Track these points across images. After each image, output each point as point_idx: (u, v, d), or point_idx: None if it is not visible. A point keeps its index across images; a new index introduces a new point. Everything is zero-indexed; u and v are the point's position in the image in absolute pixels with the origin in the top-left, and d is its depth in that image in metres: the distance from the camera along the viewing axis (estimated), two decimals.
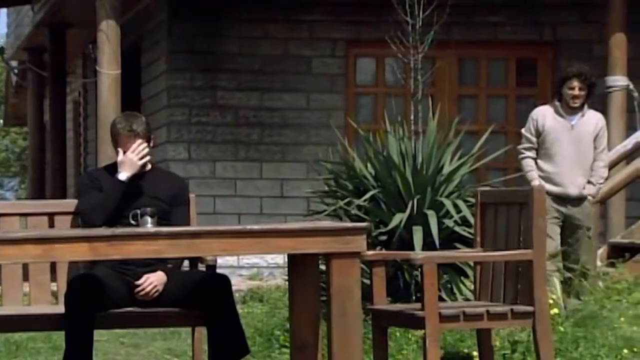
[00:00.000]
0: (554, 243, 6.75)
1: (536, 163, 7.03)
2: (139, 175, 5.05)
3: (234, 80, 9.92)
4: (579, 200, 6.96)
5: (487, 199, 5.04)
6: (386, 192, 6.45)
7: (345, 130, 9.63)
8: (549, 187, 6.82)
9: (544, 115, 7.03)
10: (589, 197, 7.04)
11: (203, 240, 4.19)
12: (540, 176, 6.97)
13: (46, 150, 13.84)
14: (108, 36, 8.80)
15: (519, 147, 7.12)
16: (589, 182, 7.01)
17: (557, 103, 6.98)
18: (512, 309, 4.71)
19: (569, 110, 6.96)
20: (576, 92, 6.90)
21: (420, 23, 6.92)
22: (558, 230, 6.89)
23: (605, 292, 7.13)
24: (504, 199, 4.96)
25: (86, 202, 4.92)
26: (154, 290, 4.85)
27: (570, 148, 6.96)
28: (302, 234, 4.28)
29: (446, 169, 6.51)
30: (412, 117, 6.74)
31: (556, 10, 10.16)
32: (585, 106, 7.02)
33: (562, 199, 6.94)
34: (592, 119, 7.05)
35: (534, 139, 7.05)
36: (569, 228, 6.93)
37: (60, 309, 4.76)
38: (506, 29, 10.14)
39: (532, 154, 7.06)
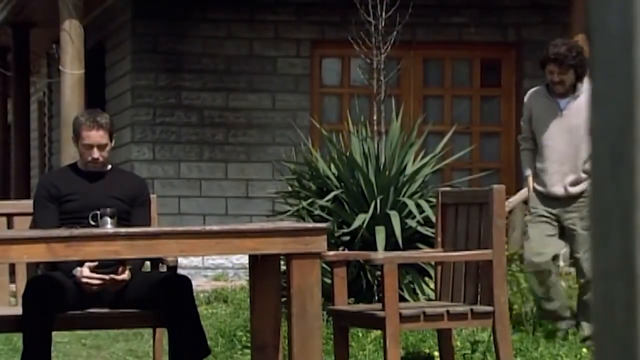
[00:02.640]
0: (531, 244, 5.90)
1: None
2: (99, 175, 5.02)
3: (199, 80, 9.90)
4: (569, 200, 5.91)
5: (448, 199, 5.05)
6: (349, 192, 6.46)
7: (310, 130, 9.63)
8: (535, 185, 6.00)
9: (534, 96, 6.04)
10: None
11: (162, 241, 4.18)
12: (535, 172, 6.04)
13: (11, 150, 13.73)
14: (71, 36, 8.75)
15: (519, 137, 6.28)
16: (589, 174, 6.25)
17: (547, 84, 6.01)
18: (472, 309, 4.72)
19: (558, 93, 5.93)
20: (555, 77, 5.86)
21: (383, 23, 6.93)
22: (548, 230, 5.91)
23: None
24: (464, 199, 4.97)
25: (42, 221, 4.87)
26: (120, 279, 4.80)
27: (558, 139, 5.90)
28: (262, 235, 4.27)
29: (409, 169, 6.53)
30: (374, 118, 6.75)
31: (520, 12, 10.21)
32: (580, 87, 5.87)
33: (550, 199, 5.94)
34: (585, 100, 5.88)
35: (527, 127, 6.08)
36: (566, 234, 5.97)
37: (18, 310, 4.72)
38: (470, 29, 10.18)
39: (528, 144, 6.07)
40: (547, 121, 5.90)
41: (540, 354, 5.59)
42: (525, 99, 6.12)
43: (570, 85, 5.87)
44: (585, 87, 5.84)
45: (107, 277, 4.77)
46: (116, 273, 4.81)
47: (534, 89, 6.13)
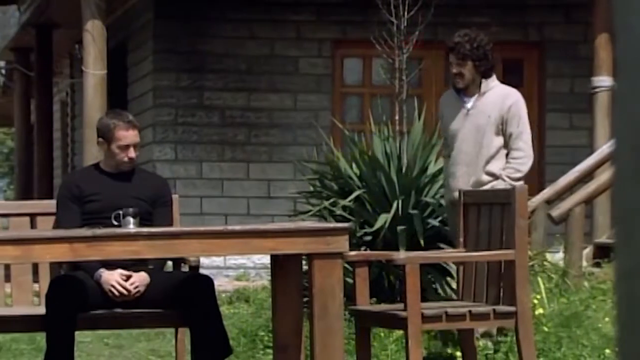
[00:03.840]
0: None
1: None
2: (122, 176, 5.04)
3: (220, 80, 9.91)
4: None
5: (470, 199, 5.04)
6: (371, 192, 6.45)
7: (331, 130, 9.63)
8: (445, 194, 5.65)
9: (445, 98, 5.62)
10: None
11: (183, 241, 4.18)
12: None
13: (34, 150, 13.80)
14: (94, 36, 8.78)
15: (442, 145, 5.83)
16: (494, 176, 5.45)
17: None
18: (494, 309, 4.71)
19: (465, 90, 5.45)
20: (454, 68, 5.39)
21: (405, 23, 6.92)
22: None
23: (590, 292, 7.14)
24: (486, 199, 4.96)
25: (64, 221, 4.89)
26: (135, 291, 4.84)
27: (465, 139, 5.45)
28: (283, 235, 4.27)
29: (431, 169, 6.51)
30: (396, 118, 6.74)
31: (542, 11, 10.17)
32: (489, 82, 5.41)
33: (457, 206, 5.25)
34: (493, 98, 5.41)
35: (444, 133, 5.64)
36: None
37: (42, 310, 4.74)
38: (492, 29, 10.14)
39: (447, 152, 5.65)
40: (455, 122, 5.54)
41: (563, 354, 5.57)
42: (439, 103, 5.75)
43: (471, 80, 5.41)
44: (494, 85, 5.46)
45: (132, 291, 4.78)
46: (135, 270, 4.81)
47: (445, 92, 5.77)
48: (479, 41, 5.43)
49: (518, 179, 5.45)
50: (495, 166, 5.50)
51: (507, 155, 5.47)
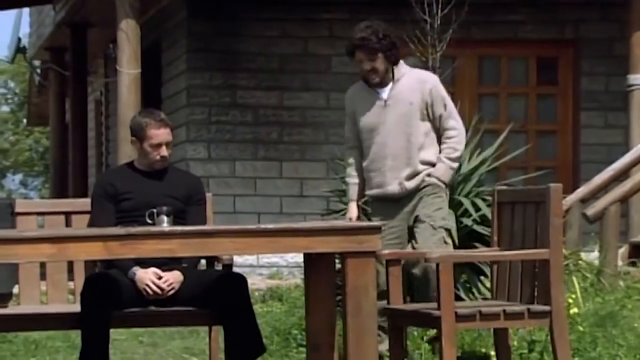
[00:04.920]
0: (382, 277, 4.99)
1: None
2: (156, 174, 5.06)
3: (253, 79, 9.93)
4: (407, 197, 5.29)
5: (504, 197, 5.01)
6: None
7: None
8: (368, 191, 5.35)
9: (354, 92, 5.33)
10: (432, 181, 5.23)
11: (216, 239, 4.19)
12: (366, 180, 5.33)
13: (68, 149, 13.90)
14: (128, 35, 8.83)
15: (343, 148, 5.49)
16: (431, 164, 5.24)
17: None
18: (528, 309, 4.68)
19: (375, 83, 5.25)
20: (366, 65, 5.18)
21: (439, 22, 6.89)
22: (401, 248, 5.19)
23: (626, 292, 7.08)
24: (521, 198, 4.93)
25: (99, 220, 4.92)
26: (169, 289, 4.86)
27: (387, 132, 5.22)
28: (316, 234, 4.27)
29: (464, 168, 6.48)
30: None
31: (577, 8, 10.10)
32: (399, 69, 5.20)
33: (387, 203, 5.28)
34: (409, 84, 5.20)
35: (351, 133, 5.33)
36: (411, 230, 5.28)
37: (77, 307, 4.77)
38: (526, 27, 10.10)
39: (354, 153, 5.33)
40: (371, 116, 5.25)
41: (598, 354, 5.53)
42: (345, 99, 5.42)
43: (384, 72, 5.19)
44: (405, 71, 5.25)
45: (166, 289, 4.80)
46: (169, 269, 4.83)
47: (352, 87, 5.45)
48: (383, 31, 5.18)
49: (457, 158, 5.32)
50: (431, 154, 5.30)
51: (440, 138, 5.29)
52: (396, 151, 5.25)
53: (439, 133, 5.33)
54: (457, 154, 5.30)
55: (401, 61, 5.30)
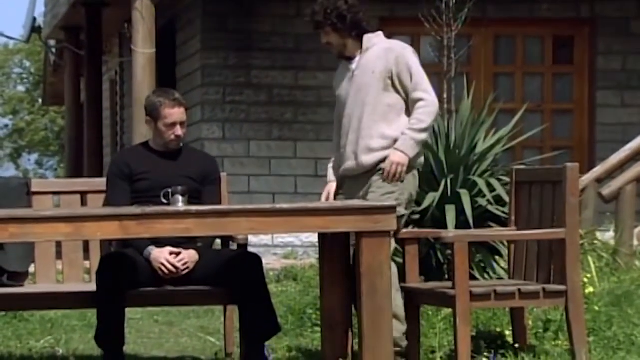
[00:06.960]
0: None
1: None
2: (171, 154, 5.06)
3: (268, 59, 9.91)
4: (364, 175, 4.92)
5: (522, 177, 5.00)
6: (419, 171, 6.42)
7: None
8: (332, 173, 5.08)
9: (338, 71, 5.12)
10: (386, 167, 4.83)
11: (231, 219, 4.20)
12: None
13: (84, 129, 13.92)
14: (143, 15, 8.82)
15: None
16: (393, 139, 4.89)
17: None
18: (544, 288, 4.68)
19: (349, 56, 5.00)
20: (322, 40, 5.03)
21: (454, 0, 6.86)
22: None
23: None
24: (538, 178, 4.92)
25: (114, 199, 4.92)
26: (184, 268, 4.87)
27: (351, 104, 4.94)
28: (331, 213, 4.27)
29: (479, 148, 6.47)
30: (445, 96, 6.70)
31: None
32: (371, 39, 4.95)
33: (348, 180, 4.98)
34: (377, 53, 4.91)
35: (335, 113, 5.13)
36: None
37: (92, 286, 4.79)
38: (542, 6, 10.03)
39: (334, 135, 5.12)
40: (342, 88, 5.00)
41: (613, 333, 5.52)
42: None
43: (342, 44, 4.93)
44: (377, 41, 4.96)
45: (181, 268, 4.81)
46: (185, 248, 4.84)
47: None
48: (332, 5, 4.94)
49: (423, 130, 4.88)
50: (394, 128, 4.88)
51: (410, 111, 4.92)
52: (355, 124, 4.92)
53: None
54: (422, 125, 4.86)
55: (377, 33, 5.03)
